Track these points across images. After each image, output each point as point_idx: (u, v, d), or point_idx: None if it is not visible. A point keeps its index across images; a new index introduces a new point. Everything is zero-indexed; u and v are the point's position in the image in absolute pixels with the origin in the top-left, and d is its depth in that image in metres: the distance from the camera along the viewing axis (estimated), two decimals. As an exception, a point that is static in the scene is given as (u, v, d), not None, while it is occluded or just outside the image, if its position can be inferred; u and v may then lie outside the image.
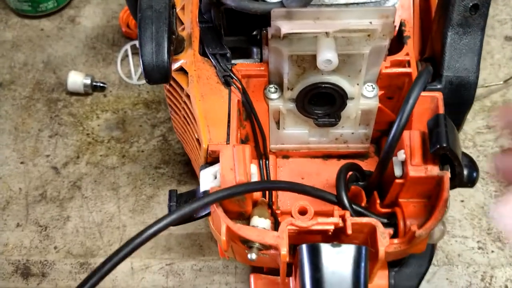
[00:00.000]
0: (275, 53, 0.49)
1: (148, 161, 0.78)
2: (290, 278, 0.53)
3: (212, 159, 0.51)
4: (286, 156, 0.62)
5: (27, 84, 0.85)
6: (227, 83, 0.52)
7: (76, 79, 0.82)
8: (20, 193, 0.76)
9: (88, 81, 0.82)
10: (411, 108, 0.43)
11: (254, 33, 0.55)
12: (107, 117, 0.82)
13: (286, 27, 0.43)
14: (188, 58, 0.53)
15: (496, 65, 0.84)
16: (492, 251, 0.70)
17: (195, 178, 0.75)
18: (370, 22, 0.43)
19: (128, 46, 0.87)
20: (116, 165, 0.77)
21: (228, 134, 0.50)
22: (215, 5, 0.50)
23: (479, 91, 0.66)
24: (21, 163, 0.78)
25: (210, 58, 0.52)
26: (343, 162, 0.60)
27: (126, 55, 0.87)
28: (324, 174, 0.60)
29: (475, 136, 0.77)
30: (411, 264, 0.55)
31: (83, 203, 0.74)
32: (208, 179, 0.50)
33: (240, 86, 0.51)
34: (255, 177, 0.49)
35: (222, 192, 0.43)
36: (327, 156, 0.61)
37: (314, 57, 0.47)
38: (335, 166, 0.60)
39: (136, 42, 0.85)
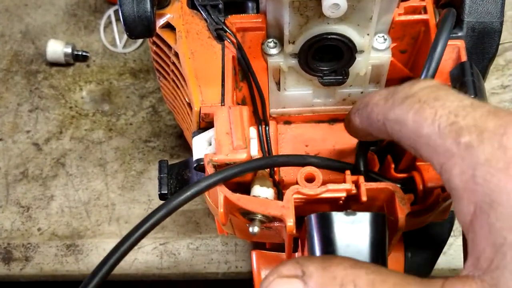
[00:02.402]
0: (274, 0, 0.43)
1: (137, 135, 0.72)
2: (296, 253, 0.48)
3: (206, 124, 0.45)
4: (287, 122, 0.56)
5: (4, 56, 0.79)
6: (219, 38, 0.46)
7: (56, 48, 0.75)
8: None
9: (69, 50, 0.75)
10: (440, 56, 0.38)
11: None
12: (91, 88, 0.75)
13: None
14: (175, 12, 0.47)
15: (508, 22, 0.78)
16: None
17: (188, 151, 0.69)
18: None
19: (111, 12, 0.80)
20: (103, 140, 0.72)
21: (223, 95, 0.44)
22: None
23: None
24: (0, 140, 0.72)
25: (200, 10, 0.46)
26: (350, 126, 0.55)
27: (109, 22, 0.80)
28: (330, 140, 0.55)
29: (490, 97, 0.72)
30: (429, 235, 0.50)
31: (68, 181, 0.69)
32: (201, 146, 0.45)
33: (234, 41, 0.45)
34: (254, 142, 0.43)
35: (220, 174, 0.38)
36: (333, 120, 0.55)
37: (318, 3, 0.41)
38: (342, 131, 0.54)
39: (120, 7, 0.79)
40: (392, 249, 0.43)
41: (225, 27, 0.46)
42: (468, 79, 0.37)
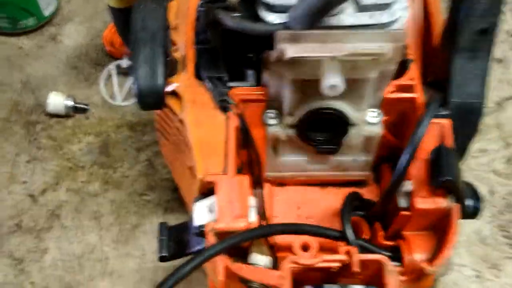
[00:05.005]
0: (276, 77, 0.46)
1: (133, 188, 0.73)
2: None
3: (207, 190, 0.48)
4: (281, 184, 0.58)
5: (4, 106, 0.81)
6: (223, 109, 0.49)
7: (57, 101, 0.77)
8: (-6, 223, 0.70)
9: (70, 103, 0.78)
10: (419, 140, 0.41)
11: (249, 55, 0.53)
12: (89, 140, 0.77)
13: (291, 50, 0.40)
14: (182, 82, 0.50)
15: (487, 89, 0.83)
16: (488, 279, 0.68)
17: (182, 205, 0.71)
18: (380, 46, 0.41)
19: (112, 66, 0.83)
20: (99, 192, 0.73)
21: (226, 164, 0.46)
22: (213, 26, 0.47)
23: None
24: (-5, 190, 0.73)
25: (206, 81, 0.49)
26: (341, 190, 0.58)
27: (109, 75, 0.83)
28: (321, 203, 0.57)
29: (469, 160, 0.76)
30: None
31: (62, 234, 0.69)
32: (203, 213, 0.47)
33: (238, 112, 0.48)
34: (253, 211, 0.45)
35: (220, 245, 0.40)
36: (324, 183, 0.58)
37: (317, 82, 0.44)
38: (333, 194, 0.58)
39: (121, 62, 0.82)
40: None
41: (229, 99, 0.48)
42: (443, 163, 0.41)
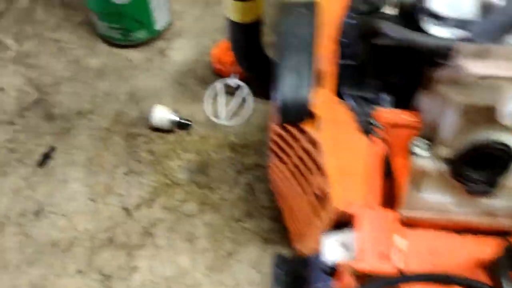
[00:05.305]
0: (440, 100, 0.39)
1: (230, 212, 0.68)
2: None
3: (338, 223, 0.41)
4: (412, 225, 0.51)
5: (108, 115, 0.79)
6: (367, 131, 0.43)
7: (162, 114, 0.75)
8: (86, 234, 0.67)
9: (174, 118, 0.75)
10: None
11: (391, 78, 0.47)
12: (189, 158, 0.74)
13: (476, 67, 0.34)
14: (318, 98, 0.45)
15: None
16: None
17: (284, 237, 0.65)
18: None
19: (219, 84, 0.80)
20: (195, 213, 0.69)
21: (368, 195, 0.40)
22: (365, 38, 0.41)
23: None
24: (91, 200, 0.71)
25: (349, 100, 0.44)
26: (482, 239, 0.49)
27: (215, 93, 0.80)
28: (458, 253, 0.49)
29: None
30: None
31: (154, 253, 0.65)
32: (335, 248, 0.40)
33: (384, 137, 0.42)
34: (401, 254, 0.38)
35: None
36: (465, 231, 0.50)
37: (490, 109, 0.37)
38: (471, 244, 0.49)
39: (228, 80, 0.79)
40: None
41: (374, 121, 0.42)
42: None
